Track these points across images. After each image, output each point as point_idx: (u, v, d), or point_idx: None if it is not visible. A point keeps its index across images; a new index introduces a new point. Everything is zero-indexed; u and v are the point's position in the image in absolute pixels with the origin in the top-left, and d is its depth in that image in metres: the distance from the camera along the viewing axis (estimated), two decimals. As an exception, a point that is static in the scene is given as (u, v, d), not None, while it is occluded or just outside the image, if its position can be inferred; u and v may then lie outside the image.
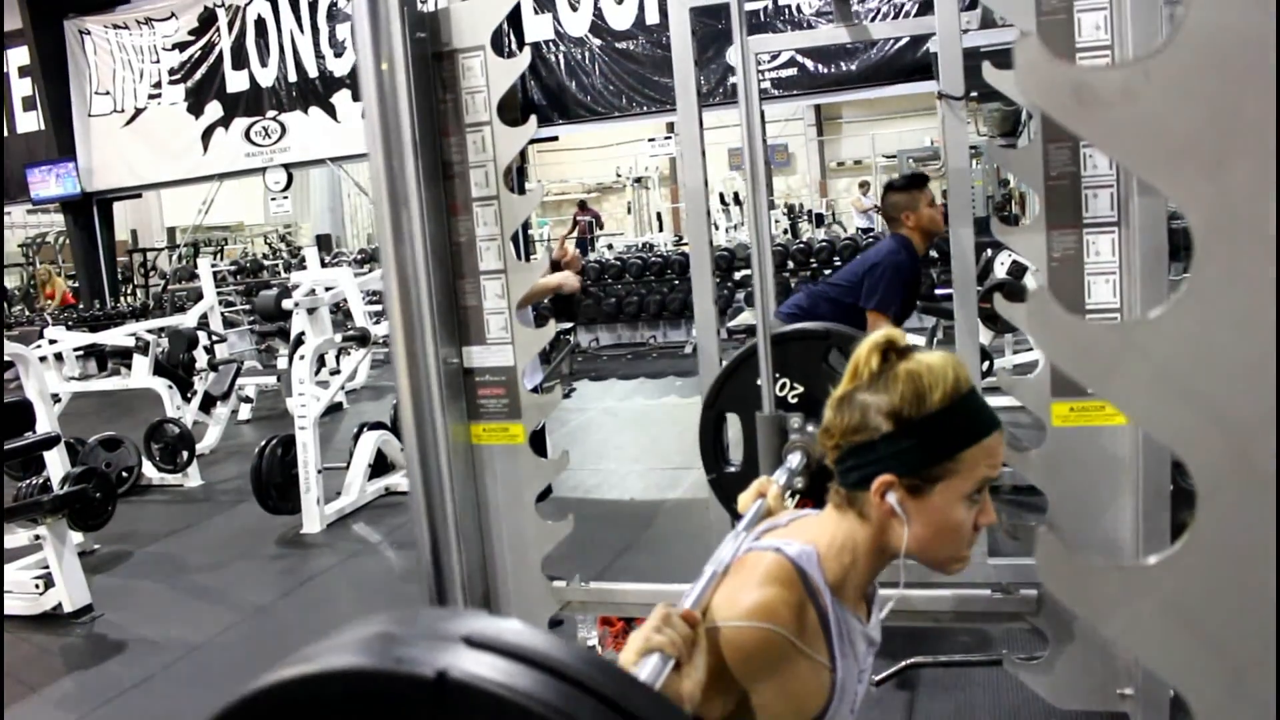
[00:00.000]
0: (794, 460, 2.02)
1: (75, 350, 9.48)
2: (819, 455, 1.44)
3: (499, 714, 0.57)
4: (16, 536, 4.78)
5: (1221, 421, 0.61)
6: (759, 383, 2.32)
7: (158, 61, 14.55)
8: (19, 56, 15.39)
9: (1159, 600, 0.65)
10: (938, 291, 4.89)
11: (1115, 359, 0.62)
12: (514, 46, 11.89)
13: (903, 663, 3.24)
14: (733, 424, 2.57)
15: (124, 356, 8.66)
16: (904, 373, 1.30)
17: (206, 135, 14.38)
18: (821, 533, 1.38)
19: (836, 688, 1.32)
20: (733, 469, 2.53)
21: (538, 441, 4.02)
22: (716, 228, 15.45)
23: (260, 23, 13.82)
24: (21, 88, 15.69)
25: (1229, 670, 0.64)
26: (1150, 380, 0.61)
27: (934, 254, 6.56)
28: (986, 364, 5.78)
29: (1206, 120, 0.58)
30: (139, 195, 16.56)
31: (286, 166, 14.00)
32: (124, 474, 6.81)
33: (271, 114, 13.94)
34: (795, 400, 2.39)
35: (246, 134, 14.11)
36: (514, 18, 11.90)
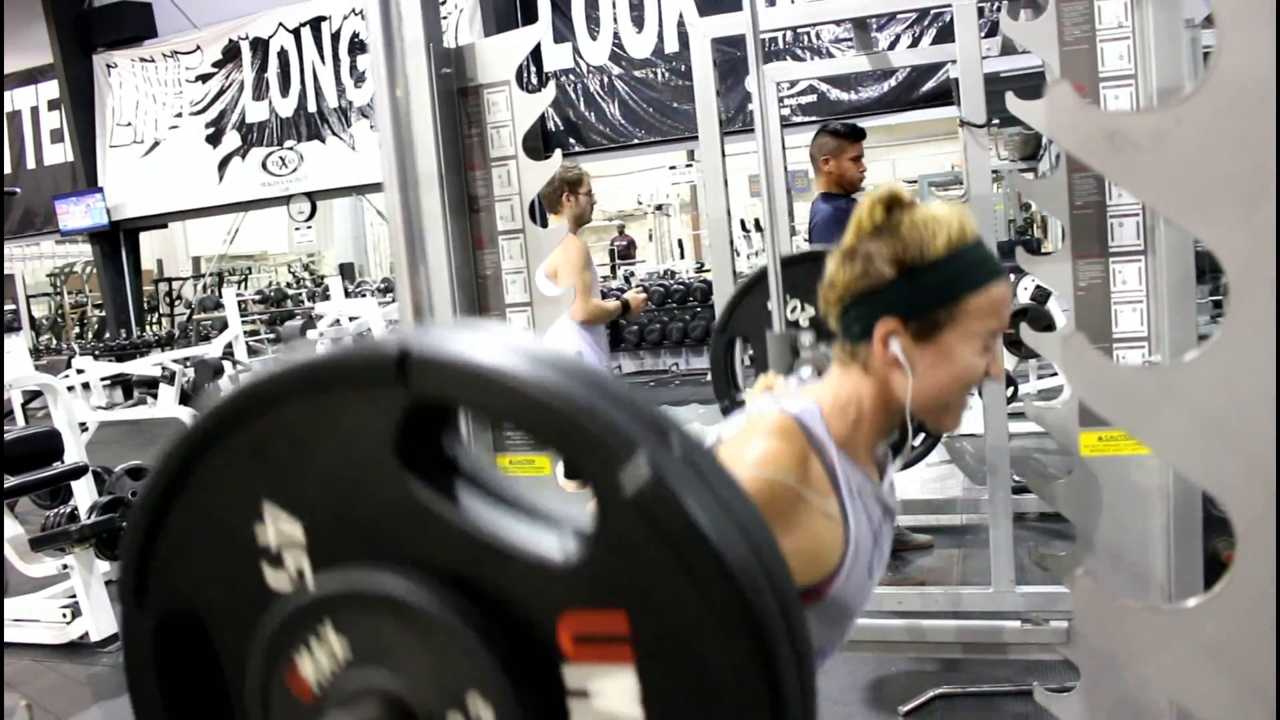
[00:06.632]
0: (805, 373, 2.00)
1: (102, 380, 9.57)
2: (823, 315, 1.41)
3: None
4: (45, 565, 4.81)
5: (1258, 464, 0.60)
6: (769, 305, 2.30)
7: (180, 93, 14.72)
8: (49, 90, 15.66)
9: (1198, 643, 0.64)
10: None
11: (1150, 402, 0.62)
12: (533, 77, 12.01)
13: (930, 693, 3.22)
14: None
15: (150, 386, 8.74)
16: (908, 221, 1.27)
17: (223, 165, 14.50)
18: (825, 391, 1.36)
19: (851, 541, 1.29)
20: (744, 397, 2.51)
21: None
22: (738, 254, 15.42)
23: (283, 54, 13.98)
24: (50, 120, 15.94)
25: (1269, 712, 0.63)
26: (1186, 423, 0.61)
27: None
28: (1011, 389, 5.75)
29: (1238, 164, 0.58)
30: (165, 225, 16.72)
31: (309, 195, 14.11)
32: (150, 503, 6.83)
33: (290, 144, 14.05)
34: (806, 323, 2.38)
35: (263, 164, 14.23)
36: (534, 48, 12.00)
